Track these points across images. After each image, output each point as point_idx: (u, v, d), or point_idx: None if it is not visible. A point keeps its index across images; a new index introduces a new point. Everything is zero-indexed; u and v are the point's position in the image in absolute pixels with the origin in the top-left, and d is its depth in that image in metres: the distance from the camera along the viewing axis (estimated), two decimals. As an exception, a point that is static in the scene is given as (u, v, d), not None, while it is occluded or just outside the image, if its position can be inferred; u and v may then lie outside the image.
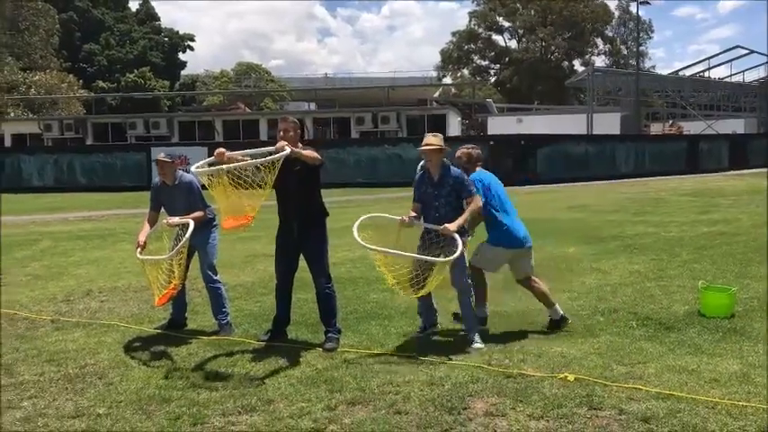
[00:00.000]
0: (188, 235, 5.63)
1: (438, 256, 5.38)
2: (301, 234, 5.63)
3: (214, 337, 5.98)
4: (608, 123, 40.41)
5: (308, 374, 4.95)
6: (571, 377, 4.67)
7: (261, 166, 5.07)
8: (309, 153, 5.34)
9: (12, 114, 41.30)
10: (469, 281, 5.82)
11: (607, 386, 4.55)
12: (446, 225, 5.38)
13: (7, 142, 38.97)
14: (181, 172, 6.29)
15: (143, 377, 5.00)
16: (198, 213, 6.02)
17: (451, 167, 5.64)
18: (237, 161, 5.20)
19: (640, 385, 4.53)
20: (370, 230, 5.42)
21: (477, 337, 5.56)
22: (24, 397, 4.65)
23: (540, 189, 25.81)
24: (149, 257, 5.88)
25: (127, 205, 21.75)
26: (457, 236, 5.36)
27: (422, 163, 5.86)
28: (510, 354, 5.31)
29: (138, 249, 5.98)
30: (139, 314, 6.97)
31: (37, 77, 45.19)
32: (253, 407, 4.38)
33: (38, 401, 4.56)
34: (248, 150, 5.42)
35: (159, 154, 6.33)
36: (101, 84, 59.76)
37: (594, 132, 38.51)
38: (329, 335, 5.67)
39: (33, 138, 39.06)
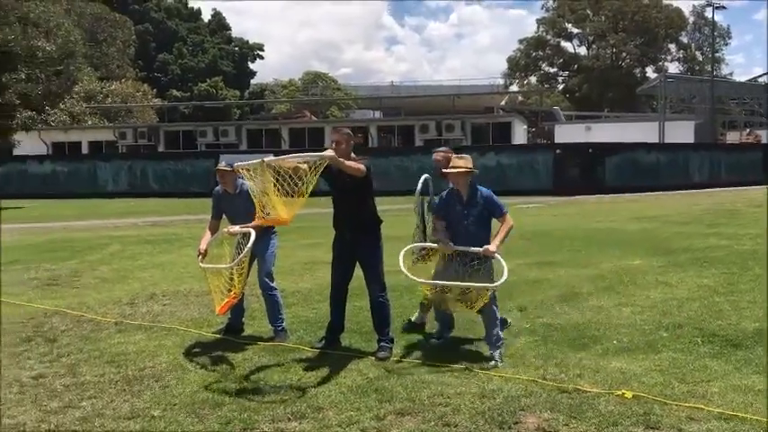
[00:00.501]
0: (250, 245, 5.69)
1: (470, 275, 5.35)
2: (354, 242, 5.65)
3: (269, 344, 6.03)
4: (681, 132, 39.21)
5: (358, 383, 4.93)
6: (629, 394, 4.51)
7: (300, 167, 5.06)
8: (351, 164, 5.33)
9: (89, 122, 42.97)
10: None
11: (666, 405, 4.37)
12: (487, 247, 5.37)
13: (84, 149, 40.57)
14: (241, 180, 6.38)
15: (198, 381, 5.08)
16: (258, 222, 6.07)
17: (479, 187, 5.58)
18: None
19: (702, 405, 4.34)
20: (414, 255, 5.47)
21: (497, 354, 5.40)
22: (84, 397, 4.79)
23: (607, 199, 25.24)
24: (211, 266, 5.96)
25: (194, 211, 22.27)
26: (499, 256, 5.40)
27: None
28: (566, 368, 5.16)
29: (200, 257, 6.09)
30: (199, 318, 7.11)
31: (113, 87, 47.03)
32: (302, 414, 4.39)
33: (96, 402, 4.69)
34: (295, 155, 5.42)
35: (220, 163, 6.44)
36: (174, 93, 61.66)
37: (667, 141, 37.42)
38: (381, 344, 5.64)
39: (109, 145, 40.58)
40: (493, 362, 5.31)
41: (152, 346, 6.03)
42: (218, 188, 6.50)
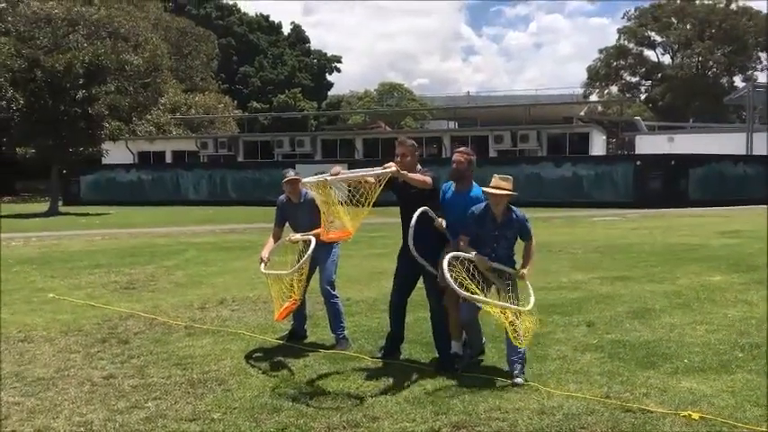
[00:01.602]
0: (310, 252, 5.81)
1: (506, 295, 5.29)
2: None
3: (330, 351, 6.08)
4: (771, 143, 37.42)
5: (415, 394, 4.90)
6: (696, 415, 4.32)
7: (364, 182, 5.11)
8: (417, 176, 5.32)
9: (173, 133, 44.56)
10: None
11: (737, 428, 4.16)
12: (524, 271, 5.34)
13: (168, 158, 42.08)
14: (305, 190, 6.47)
15: (259, 386, 5.17)
16: (319, 230, 6.14)
17: (515, 209, 5.41)
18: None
19: (775, 430, 4.11)
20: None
21: (518, 369, 5.19)
22: (150, 398, 4.94)
23: (690, 212, 24.32)
24: (272, 272, 6.09)
25: (270, 219, 22.72)
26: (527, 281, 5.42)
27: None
28: (632, 387, 4.98)
29: (262, 264, 6.20)
30: (265, 324, 7.23)
31: (197, 98, 48.65)
32: (357, 422, 4.40)
33: (161, 403, 4.83)
34: (360, 170, 5.47)
35: (288, 173, 6.54)
36: (254, 104, 63.28)
37: (755, 153, 35.78)
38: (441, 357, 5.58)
39: (191, 155, 41.95)
40: (517, 379, 5.12)
41: (218, 351, 6.17)
42: (282, 197, 6.62)
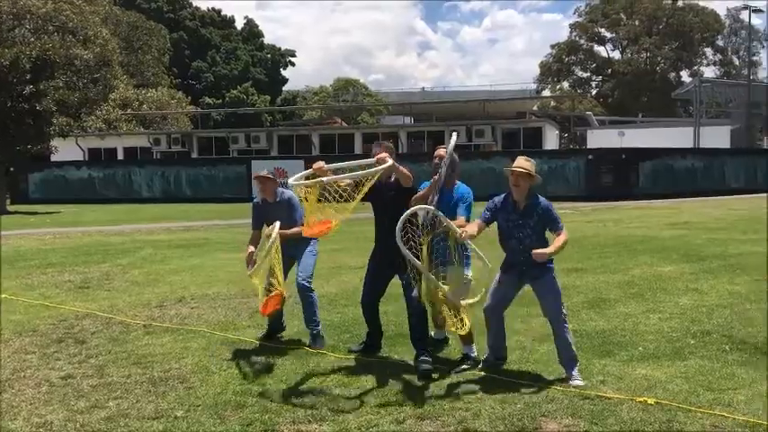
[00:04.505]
0: (275, 234, 5.71)
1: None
2: (396, 254, 5.34)
3: (298, 347, 6.07)
4: (717, 137, 38.55)
5: (380, 387, 4.94)
6: (651, 401, 4.46)
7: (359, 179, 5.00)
8: (405, 171, 5.26)
9: (125, 129, 43.70)
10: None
11: (690, 412, 4.31)
12: (542, 251, 4.91)
13: (120, 155, 41.29)
14: (281, 189, 6.38)
15: (222, 383, 5.15)
16: (297, 229, 6.03)
17: (539, 197, 5.13)
18: (335, 174, 5.14)
19: (727, 413, 4.27)
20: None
21: (575, 373, 5.04)
22: (111, 397, 4.88)
23: (640, 204, 24.90)
24: (254, 268, 5.92)
25: (225, 216, 22.57)
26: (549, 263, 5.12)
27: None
28: (590, 375, 5.11)
29: (249, 270, 5.97)
30: (226, 321, 7.19)
31: (149, 94, 47.76)
32: (323, 417, 4.42)
33: (122, 402, 4.77)
34: (343, 163, 5.33)
35: (262, 171, 6.44)
36: (207, 100, 62.43)
37: (702, 146, 36.82)
38: (421, 357, 5.43)
39: (143, 151, 41.23)
40: (575, 381, 4.94)
41: (178, 349, 6.12)
42: (257, 199, 6.49)
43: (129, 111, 45.64)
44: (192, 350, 6.07)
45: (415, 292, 5.25)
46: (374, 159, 5.17)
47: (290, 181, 5.16)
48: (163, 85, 52.82)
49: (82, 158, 39.68)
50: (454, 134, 5.46)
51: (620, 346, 5.91)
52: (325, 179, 4.98)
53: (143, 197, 33.65)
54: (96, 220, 22.79)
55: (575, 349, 5.14)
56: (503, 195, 5.19)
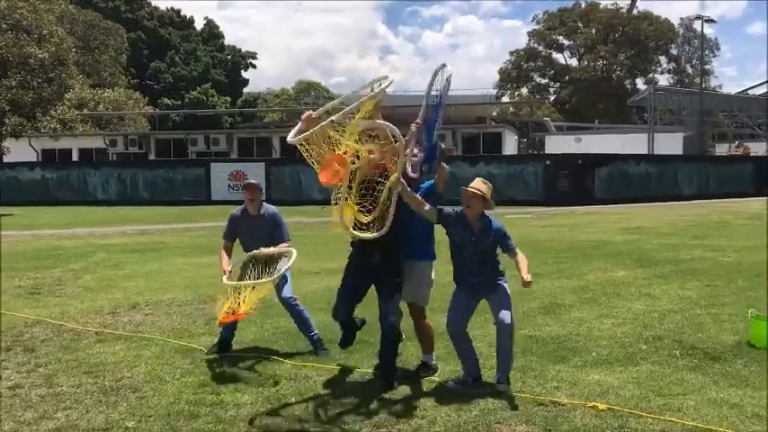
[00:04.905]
0: (290, 264, 5.54)
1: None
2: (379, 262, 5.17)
3: (261, 357, 6.01)
4: (670, 143, 39.48)
5: (336, 395, 4.92)
6: (603, 406, 4.52)
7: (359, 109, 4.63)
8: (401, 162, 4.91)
9: (80, 130, 42.82)
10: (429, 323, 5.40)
11: (641, 417, 4.38)
12: (525, 276, 4.90)
13: (75, 157, 40.45)
14: (264, 203, 6.23)
15: (175, 392, 5.06)
16: (285, 245, 5.98)
17: (492, 219, 5.13)
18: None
19: (677, 418, 4.35)
20: None
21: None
22: (60, 408, 4.76)
23: (596, 209, 25.31)
24: (235, 283, 5.61)
25: (183, 219, 22.25)
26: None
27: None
28: (544, 381, 5.17)
29: (225, 276, 5.76)
30: (180, 328, 7.08)
31: (105, 94, 46.91)
32: (278, 427, 4.38)
33: (71, 413, 4.66)
34: (329, 104, 4.98)
35: (252, 179, 6.29)
36: (166, 101, 61.61)
37: (656, 152, 37.62)
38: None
39: (99, 153, 40.46)
40: (501, 385, 4.96)
41: (131, 357, 6.00)
42: (236, 211, 6.29)
43: (84, 111, 44.74)
44: (144, 358, 5.96)
45: (393, 318, 5.11)
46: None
47: (289, 138, 4.71)
48: (120, 86, 51.98)
49: (35, 159, 38.78)
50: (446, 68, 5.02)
51: (575, 351, 5.99)
52: (327, 122, 4.53)
53: (98, 199, 32.97)
54: (49, 223, 22.26)
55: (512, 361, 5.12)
56: (460, 210, 5.12)
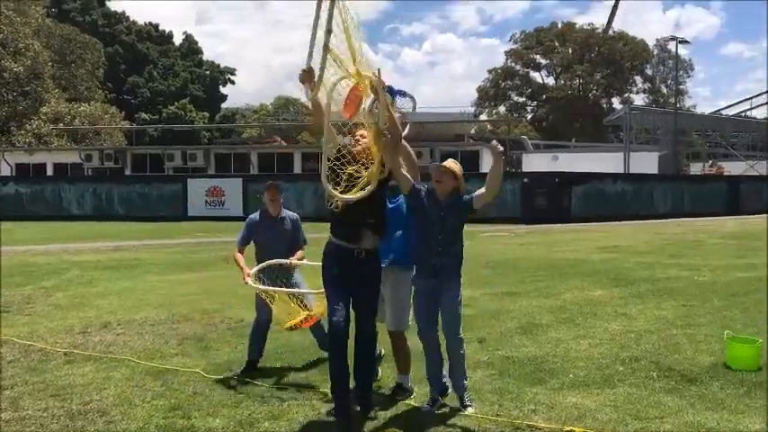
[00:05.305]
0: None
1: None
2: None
3: (234, 378, 5.89)
4: (645, 162, 39.87)
5: (310, 418, 4.83)
6: (579, 430, 4.48)
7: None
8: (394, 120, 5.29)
9: (55, 144, 42.37)
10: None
11: (619, 442, 4.34)
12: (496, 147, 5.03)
13: (49, 171, 39.94)
14: (286, 210, 6.18)
15: (145, 416, 4.93)
16: (301, 252, 6.01)
17: (463, 196, 5.10)
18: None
19: (654, 443, 4.32)
20: None
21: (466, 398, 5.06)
22: (24, 433, 4.62)
23: (573, 228, 25.44)
24: (268, 288, 5.66)
25: (159, 236, 22.00)
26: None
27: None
28: (521, 403, 5.11)
29: (250, 279, 5.68)
30: (152, 349, 6.93)
31: (81, 108, 46.48)
32: (249, 452, 4.27)
33: (36, 438, 4.52)
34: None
35: (272, 181, 6.27)
36: (144, 115, 61.23)
37: (632, 171, 38.02)
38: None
39: (74, 167, 39.99)
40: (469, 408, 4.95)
41: (100, 379, 5.86)
42: (254, 215, 6.19)
43: (60, 125, 44.28)
44: (114, 380, 5.82)
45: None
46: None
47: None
48: (96, 100, 51.53)
49: (9, 174, 38.23)
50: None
51: (552, 373, 5.94)
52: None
53: (73, 215, 32.52)
54: (21, 238, 21.86)
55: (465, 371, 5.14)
56: (430, 186, 5.07)
